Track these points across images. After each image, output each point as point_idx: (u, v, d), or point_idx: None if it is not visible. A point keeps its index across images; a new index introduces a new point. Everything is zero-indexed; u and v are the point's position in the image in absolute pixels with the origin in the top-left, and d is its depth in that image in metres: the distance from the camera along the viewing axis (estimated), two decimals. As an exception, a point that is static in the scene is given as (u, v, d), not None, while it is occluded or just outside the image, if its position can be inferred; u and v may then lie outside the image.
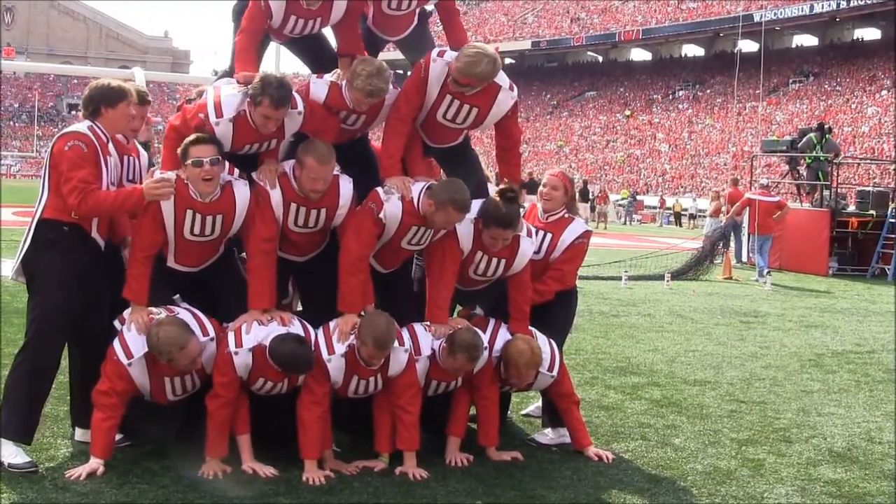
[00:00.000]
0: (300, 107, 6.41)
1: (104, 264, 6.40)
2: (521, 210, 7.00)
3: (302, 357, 6.11)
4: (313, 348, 6.26)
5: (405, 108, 6.70)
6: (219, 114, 6.24)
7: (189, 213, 6.23)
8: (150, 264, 6.28)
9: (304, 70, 7.40)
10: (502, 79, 6.74)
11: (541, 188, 7.55)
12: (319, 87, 6.64)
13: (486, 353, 6.66)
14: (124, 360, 6.07)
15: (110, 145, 6.34)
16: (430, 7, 7.28)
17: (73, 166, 6.05)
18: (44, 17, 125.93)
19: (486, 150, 47.18)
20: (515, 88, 6.88)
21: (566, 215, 7.49)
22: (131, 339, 6.11)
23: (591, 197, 49.40)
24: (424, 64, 6.67)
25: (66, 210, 6.10)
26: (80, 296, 6.20)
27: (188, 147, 6.11)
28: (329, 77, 6.70)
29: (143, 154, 6.92)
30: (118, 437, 6.35)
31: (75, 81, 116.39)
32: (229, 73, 7.01)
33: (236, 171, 6.41)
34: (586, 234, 7.51)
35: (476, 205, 6.73)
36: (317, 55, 7.18)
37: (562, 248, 7.36)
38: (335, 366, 6.28)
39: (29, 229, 6.22)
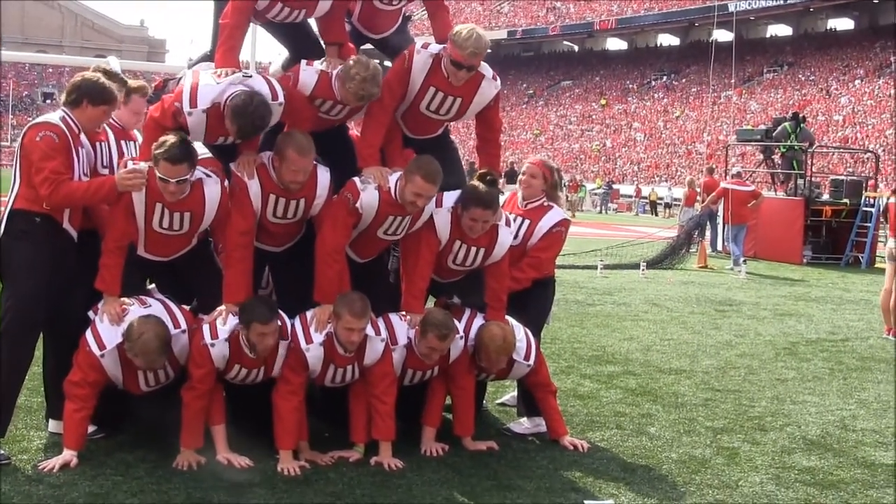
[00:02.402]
0: (280, 98, 6.35)
1: (78, 255, 6.34)
2: (501, 196, 7.00)
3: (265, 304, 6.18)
4: (290, 338, 6.25)
5: (387, 98, 6.65)
6: (193, 104, 6.17)
7: (158, 206, 6.19)
8: (123, 255, 6.25)
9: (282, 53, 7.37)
10: (485, 68, 6.74)
11: (520, 175, 7.58)
12: (309, 76, 6.58)
13: (461, 341, 6.67)
14: (97, 351, 6.05)
15: (82, 136, 6.30)
16: (408, 13, 7.28)
17: (45, 157, 6.00)
18: (18, 5, 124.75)
19: (461, 140, 47.21)
20: (498, 79, 6.87)
21: (545, 203, 7.50)
22: (104, 330, 6.08)
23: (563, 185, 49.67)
24: (408, 55, 6.65)
25: (38, 201, 6.05)
26: (54, 287, 6.15)
27: (159, 159, 6.01)
28: (318, 65, 6.65)
29: (111, 136, 6.76)
30: (92, 428, 6.32)
31: (50, 70, 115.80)
32: (210, 57, 6.95)
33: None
34: (563, 223, 7.52)
35: (453, 195, 6.73)
36: (298, 41, 7.13)
37: (538, 236, 7.37)
38: (313, 355, 6.27)
39: (1, 219, 6.16)
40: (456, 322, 6.66)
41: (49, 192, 5.97)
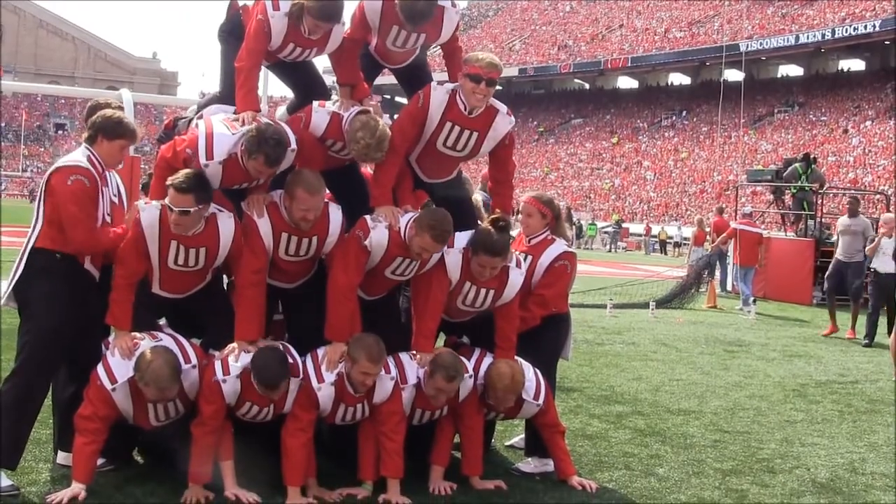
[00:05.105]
0: (293, 144, 6.36)
1: (98, 291, 6.36)
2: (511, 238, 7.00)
3: (274, 370, 6.10)
4: (301, 376, 6.26)
5: (398, 139, 6.65)
6: (209, 156, 6.17)
7: (173, 243, 6.21)
8: (133, 290, 6.27)
9: (290, 94, 7.40)
10: (499, 104, 6.77)
11: (518, 214, 7.55)
12: (321, 117, 6.62)
13: (470, 380, 6.66)
14: (108, 385, 6.05)
15: (106, 174, 6.35)
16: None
17: (74, 202, 6.05)
18: (32, 36, 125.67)
19: (472, 176, 47.13)
20: (512, 115, 6.89)
21: (548, 237, 7.47)
22: (115, 364, 6.08)
23: (575, 223, 49.80)
24: (424, 94, 6.67)
25: (59, 240, 6.10)
26: (73, 323, 6.17)
27: (169, 187, 6.05)
28: (330, 106, 6.69)
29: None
30: (101, 461, 6.32)
31: (62, 102, 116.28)
32: (220, 99, 6.99)
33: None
34: (565, 256, 7.42)
35: (465, 236, 6.74)
36: (304, 83, 7.17)
37: (541, 272, 7.32)
38: (324, 394, 6.27)
39: (21, 256, 6.19)
40: (465, 361, 6.67)
41: (80, 240, 6.05)
